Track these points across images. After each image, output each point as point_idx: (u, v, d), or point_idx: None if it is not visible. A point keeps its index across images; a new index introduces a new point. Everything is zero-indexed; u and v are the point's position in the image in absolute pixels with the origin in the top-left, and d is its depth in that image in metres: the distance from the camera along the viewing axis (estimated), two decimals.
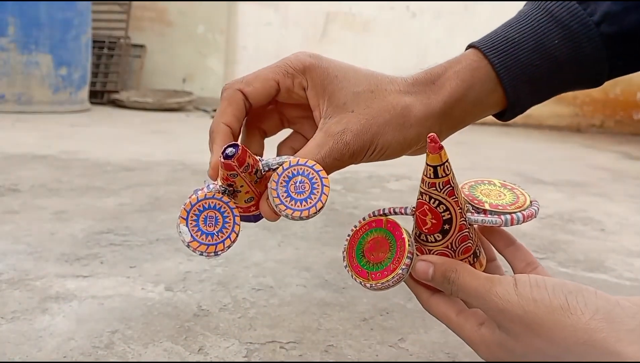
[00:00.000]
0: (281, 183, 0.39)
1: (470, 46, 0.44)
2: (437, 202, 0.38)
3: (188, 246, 0.39)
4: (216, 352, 0.63)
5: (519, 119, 2.96)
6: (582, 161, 2.65)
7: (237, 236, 0.40)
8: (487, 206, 0.41)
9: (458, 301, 0.41)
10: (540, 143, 3.39)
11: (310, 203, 0.39)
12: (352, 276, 0.42)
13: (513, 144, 3.21)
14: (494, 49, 0.41)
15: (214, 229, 0.39)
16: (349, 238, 0.45)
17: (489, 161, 2.36)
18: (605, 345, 0.32)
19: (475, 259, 0.42)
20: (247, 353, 0.63)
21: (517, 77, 0.41)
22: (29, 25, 3.03)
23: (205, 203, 0.40)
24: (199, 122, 3.28)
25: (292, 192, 0.39)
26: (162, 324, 0.69)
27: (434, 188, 0.38)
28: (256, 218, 0.43)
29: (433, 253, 0.41)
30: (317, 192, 0.39)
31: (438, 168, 0.37)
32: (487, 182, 0.45)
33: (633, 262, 1.10)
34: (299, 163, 0.39)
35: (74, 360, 0.60)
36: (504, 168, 2.17)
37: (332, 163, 0.40)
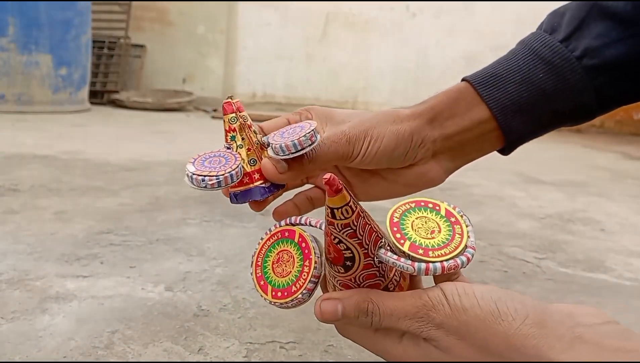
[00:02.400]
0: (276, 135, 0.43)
1: (463, 79, 0.47)
2: (337, 239, 0.35)
3: (191, 178, 0.41)
4: (216, 352, 0.63)
5: None
6: (582, 161, 2.65)
7: (237, 167, 0.41)
8: (405, 247, 0.36)
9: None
10: (540, 143, 3.38)
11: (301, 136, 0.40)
12: (254, 287, 0.40)
13: None
14: (481, 82, 0.44)
15: (218, 165, 0.42)
16: (260, 242, 0.42)
17: (489, 161, 2.36)
18: (538, 353, 0.32)
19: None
20: (247, 353, 0.63)
21: (506, 106, 0.43)
22: (29, 26, 3.03)
23: (211, 152, 0.43)
24: (199, 122, 3.28)
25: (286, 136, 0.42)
26: (162, 324, 0.69)
27: (333, 227, 0.35)
28: (262, 192, 0.44)
29: (337, 282, 0.37)
30: (311, 136, 0.40)
31: (336, 210, 0.34)
32: (430, 207, 0.39)
33: (633, 262, 1.10)
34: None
35: (74, 360, 0.60)
36: (504, 168, 2.17)
37: (332, 147, 0.41)
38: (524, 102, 0.43)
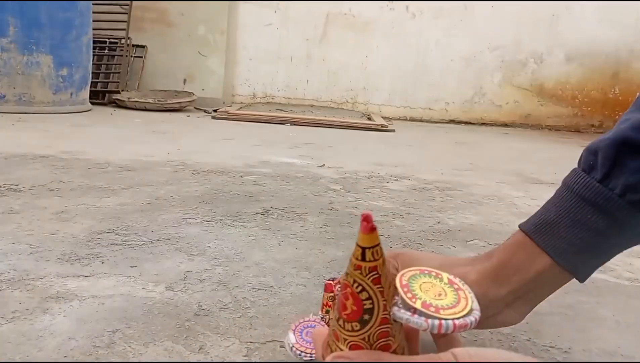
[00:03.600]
0: None
1: (519, 227, 0.50)
2: (360, 287, 0.35)
3: (291, 348, 0.53)
4: (216, 351, 0.63)
5: (518, 118, 2.97)
6: None
7: None
8: (418, 304, 0.37)
9: None
10: (540, 143, 3.39)
11: None
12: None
13: (513, 144, 3.21)
14: (534, 229, 0.47)
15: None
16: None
17: (489, 161, 2.36)
18: None
19: None
20: (248, 353, 0.63)
21: (565, 250, 0.46)
22: (29, 26, 3.03)
23: (309, 321, 0.55)
24: (199, 122, 3.28)
25: None
26: (163, 324, 0.69)
27: (359, 272, 0.35)
28: None
29: (348, 344, 0.38)
30: None
31: (367, 250, 0.34)
32: (434, 275, 0.41)
33: (632, 262, 1.10)
34: None
35: (74, 360, 0.60)
36: (503, 168, 2.17)
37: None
38: (581, 243, 0.45)
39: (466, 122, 4.40)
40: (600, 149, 0.46)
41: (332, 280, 0.57)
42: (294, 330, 0.55)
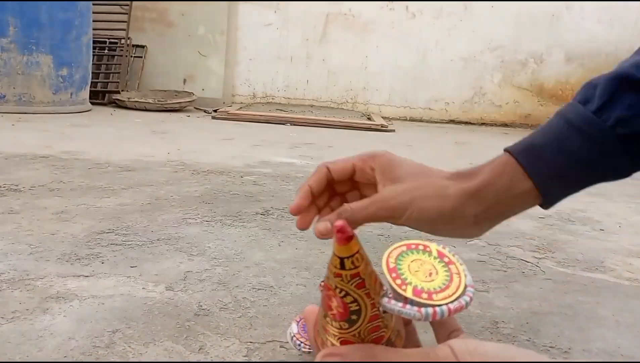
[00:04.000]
0: None
1: (504, 151, 0.50)
2: (343, 292, 0.34)
3: (292, 338, 0.56)
4: (216, 351, 0.63)
5: (518, 118, 2.98)
6: None
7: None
8: (408, 292, 0.35)
9: None
10: None
11: None
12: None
13: None
14: (521, 151, 0.47)
15: None
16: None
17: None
18: None
19: (389, 345, 0.37)
20: (248, 353, 0.63)
21: (546, 176, 0.46)
22: (29, 26, 3.04)
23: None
24: (199, 122, 3.28)
25: None
26: (163, 324, 0.69)
27: (340, 279, 0.33)
28: None
29: (338, 339, 0.36)
30: None
31: (345, 260, 0.33)
32: (421, 249, 0.39)
33: (632, 262, 1.10)
34: None
35: (74, 359, 0.60)
36: None
37: (374, 215, 0.45)
38: (562, 170, 0.46)
39: (466, 123, 4.40)
40: (599, 83, 0.47)
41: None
42: (298, 322, 0.56)
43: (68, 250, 0.94)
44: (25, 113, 3.00)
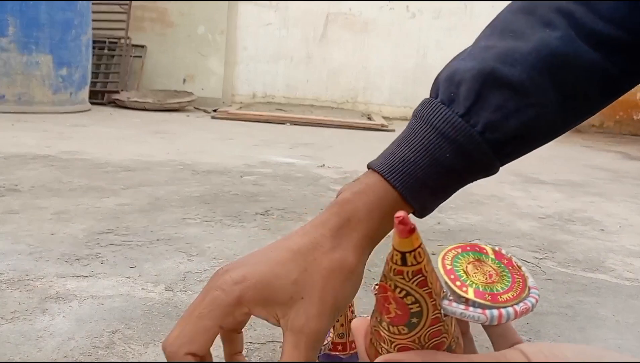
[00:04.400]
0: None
1: (369, 167, 0.44)
2: (404, 292, 0.31)
3: None
4: (216, 351, 0.63)
5: None
6: (581, 161, 2.65)
7: (327, 343, 0.55)
8: (470, 294, 0.32)
9: None
10: None
11: None
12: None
13: None
14: (394, 173, 0.42)
15: None
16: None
17: None
18: None
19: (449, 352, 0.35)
20: (247, 353, 0.63)
21: (419, 192, 0.42)
22: (29, 26, 3.03)
23: None
24: (199, 122, 3.28)
25: None
26: (162, 324, 0.69)
27: (401, 276, 0.31)
28: (340, 360, 0.56)
29: (394, 347, 0.33)
30: None
31: (407, 254, 0.30)
32: (477, 250, 0.36)
33: (632, 262, 1.10)
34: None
35: (74, 360, 0.60)
36: (504, 168, 2.17)
37: (315, 346, 0.37)
38: (435, 184, 0.42)
39: None
40: (463, 80, 0.42)
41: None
42: None
43: (67, 250, 0.94)
44: (25, 113, 3.00)
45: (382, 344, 0.34)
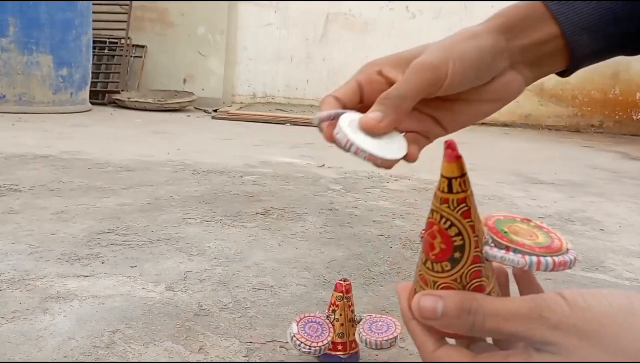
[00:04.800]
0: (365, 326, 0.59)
1: None
2: (448, 223, 0.32)
3: (292, 338, 0.57)
4: (216, 351, 0.63)
5: (518, 119, 2.98)
6: (581, 161, 2.65)
7: (327, 343, 0.57)
8: (511, 241, 0.34)
9: (468, 351, 0.35)
10: (539, 142, 3.39)
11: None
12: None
13: (513, 144, 3.21)
14: None
15: (314, 333, 0.57)
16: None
17: (489, 161, 2.36)
18: None
19: None
20: (247, 353, 0.63)
21: (574, 23, 0.43)
22: (29, 26, 3.04)
23: (314, 316, 0.59)
24: (199, 122, 3.28)
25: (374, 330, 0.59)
26: (163, 324, 0.69)
27: (446, 205, 0.32)
28: (340, 359, 0.58)
29: (438, 286, 0.35)
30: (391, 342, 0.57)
31: (453, 181, 0.31)
32: (519, 219, 0.37)
33: (632, 262, 1.10)
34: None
35: (74, 359, 0.60)
36: (504, 168, 2.17)
37: (414, 78, 0.42)
38: (592, 20, 0.43)
39: None
40: None
41: (344, 281, 0.59)
42: (298, 322, 0.57)
43: (68, 250, 0.94)
44: (25, 113, 3.00)
45: (425, 287, 0.35)
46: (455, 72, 0.41)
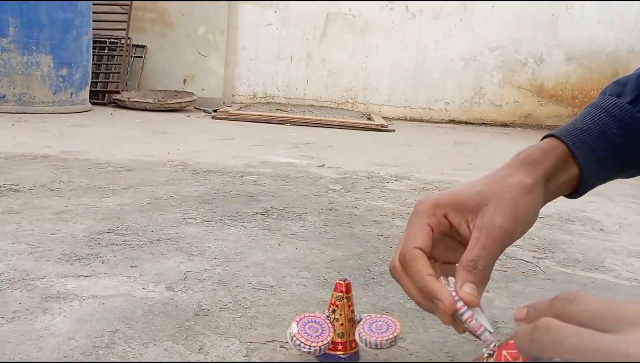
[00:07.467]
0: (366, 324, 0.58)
1: (546, 136, 0.53)
2: None
3: (292, 338, 0.56)
4: (216, 351, 0.63)
5: (518, 118, 2.98)
6: None
7: (327, 343, 0.57)
8: None
9: None
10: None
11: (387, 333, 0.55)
12: None
13: (512, 144, 3.21)
14: (567, 135, 0.51)
15: (314, 333, 0.56)
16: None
17: (489, 161, 2.36)
18: None
19: None
20: (247, 353, 0.63)
21: (587, 156, 0.50)
22: (29, 26, 3.04)
23: (314, 316, 0.58)
24: (199, 122, 3.28)
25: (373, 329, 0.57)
26: (163, 324, 0.69)
27: None
28: (339, 359, 0.58)
29: None
30: (391, 342, 0.55)
31: None
32: None
33: (632, 262, 1.10)
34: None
35: (74, 359, 0.60)
36: None
37: (494, 237, 0.46)
38: (601, 154, 0.50)
39: (466, 122, 4.40)
40: (629, 80, 0.52)
41: (344, 281, 0.59)
42: (298, 322, 0.57)
43: (68, 249, 0.94)
44: (25, 113, 3.00)
45: None
46: (521, 234, 0.49)
